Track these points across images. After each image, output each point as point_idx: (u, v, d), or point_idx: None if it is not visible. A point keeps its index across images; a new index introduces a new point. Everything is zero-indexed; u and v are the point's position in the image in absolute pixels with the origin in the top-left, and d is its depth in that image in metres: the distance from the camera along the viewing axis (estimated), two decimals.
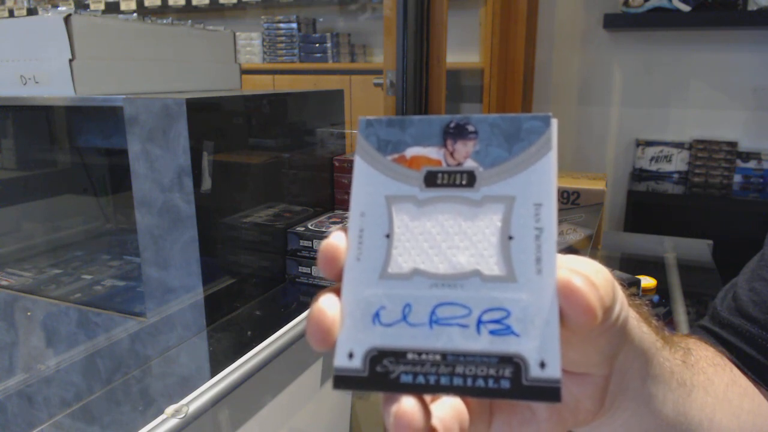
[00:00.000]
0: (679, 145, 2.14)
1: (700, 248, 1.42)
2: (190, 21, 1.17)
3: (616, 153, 2.28)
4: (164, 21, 1.13)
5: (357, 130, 0.24)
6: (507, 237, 0.21)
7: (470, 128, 0.22)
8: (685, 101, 2.15)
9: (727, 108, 2.10)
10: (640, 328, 0.28)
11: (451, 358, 0.20)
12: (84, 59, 0.93)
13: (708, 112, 2.12)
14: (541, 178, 0.21)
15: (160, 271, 0.88)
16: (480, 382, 0.20)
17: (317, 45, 2.73)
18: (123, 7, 2.93)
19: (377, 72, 1.62)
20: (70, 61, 0.91)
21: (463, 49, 2.33)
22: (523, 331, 0.20)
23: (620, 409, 0.28)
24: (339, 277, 0.22)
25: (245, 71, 1.35)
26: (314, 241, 1.00)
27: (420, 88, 1.52)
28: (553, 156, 0.22)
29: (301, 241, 1.01)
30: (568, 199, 1.16)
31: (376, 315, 0.21)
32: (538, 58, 2.31)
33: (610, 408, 0.28)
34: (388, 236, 0.22)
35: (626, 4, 2.02)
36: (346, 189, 1.15)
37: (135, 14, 1.73)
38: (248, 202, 0.96)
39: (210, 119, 0.88)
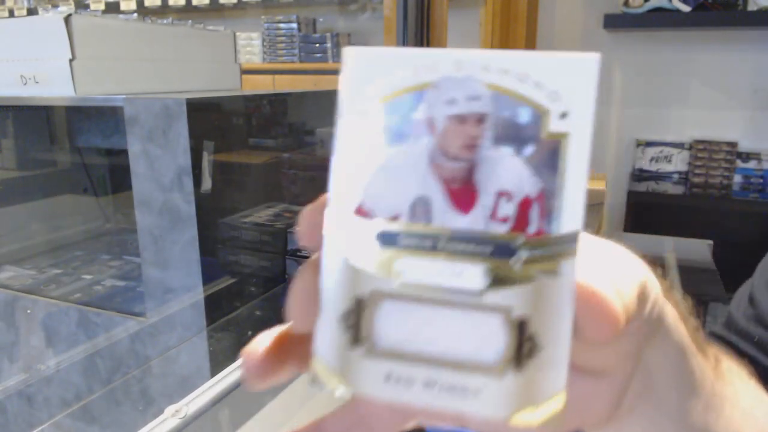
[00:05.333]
0: (679, 146, 2.14)
1: (700, 249, 1.42)
2: (190, 21, 1.17)
3: (616, 153, 2.28)
4: (164, 21, 1.13)
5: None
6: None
7: None
8: (685, 101, 2.15)
9: (727, 108, 2.10)
10: (678, 327, 0.24)
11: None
12: (84, 59, 0.93)
13: (708, 113, 2.12)
14: None
15: (160, 271, 0.88)
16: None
17: (317, 45, 2.73)
18: (123, 7, 2.92)
19: None
20: (71, 61, 0.91)
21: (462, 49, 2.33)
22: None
23: (640, 415, 0.24)
24: None
25: (245, 71, 1.35)
26: None
27: None
28: None
29: None
30: None
31: None
32: None
33: (628, 412, 0.24)
34: None
35: (626, 4, 2.02)
36: None
37: (135, 14, 1.72)
38: (248, 202, 0.96)
39: (210, 119, 0.88)
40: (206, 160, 0.85)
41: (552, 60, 0.17)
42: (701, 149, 2.08)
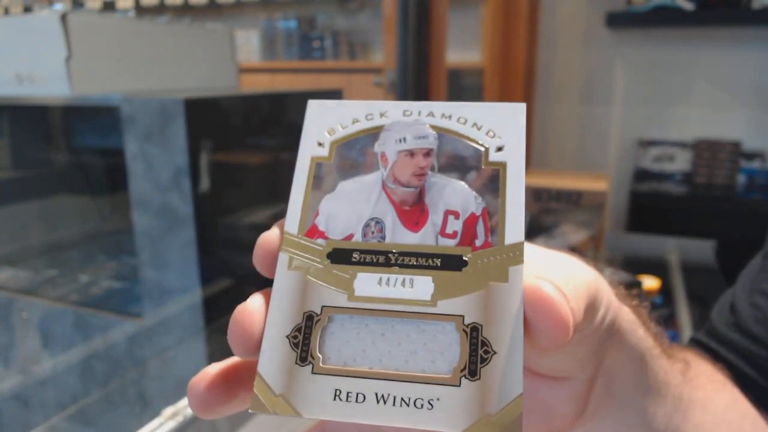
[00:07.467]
0: (682, 145, 2.12)
1: (703, 249, 1.41)
2: (187, 19, 1.16)
3: (619, 153, 2.27)
4: (161, 19, 1.12)
5: None
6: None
7: None
8: (689, 100, 2.14)
9: (731, 107, 2.08)
10: (635, 332, 0.25)
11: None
12: (81, 58, 0.92)
13: (712, 112, 2.11)
14: None
15: (158, 272, 0.88)
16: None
17: (316, 43, 2.72)
18: (120, 5, 2.91)
19: (377, 71, 1.61)
20: (67, 59, 0.90)
21: (463, 47, 2.32)
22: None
23: (605, 418, 0.25)
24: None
25: (243, 70, 1.34)
26: None
27: (420, 87, 1.51)
28: None
29: None
30: (570, 200, 1.15)
31: None
32: (539, 57, 2.30)
33: (593, 415, 0.25)
34: None
35: (629, 2, 2.01)
36: None
37: (132, 12, 1.71)
38: (246, 203, 0.95)
39: (208, 119, 0.87)
40: (204, 159, 0.84)
41: (488, 107, 0.20)
42: (705, 149, 2.07)
